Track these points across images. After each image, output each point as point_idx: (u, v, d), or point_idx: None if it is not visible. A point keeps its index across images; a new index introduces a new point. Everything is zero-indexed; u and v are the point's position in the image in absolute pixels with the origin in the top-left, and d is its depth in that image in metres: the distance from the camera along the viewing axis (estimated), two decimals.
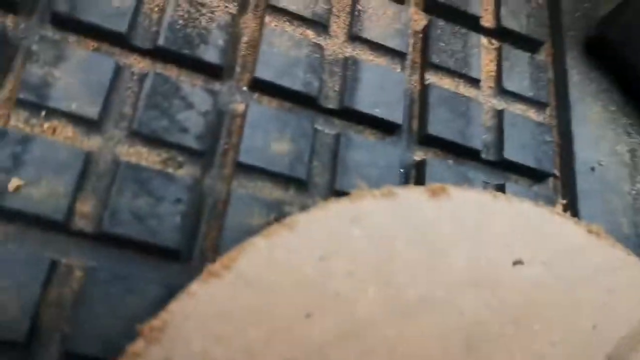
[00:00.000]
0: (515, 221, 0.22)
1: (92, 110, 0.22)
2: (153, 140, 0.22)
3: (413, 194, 0.21)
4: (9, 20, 0.23)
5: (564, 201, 0.24)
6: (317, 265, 0.19)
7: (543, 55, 0.33)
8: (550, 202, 0.28)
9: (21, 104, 0.21)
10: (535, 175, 0.29)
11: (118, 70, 0.23)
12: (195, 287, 0.18)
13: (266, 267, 0.19)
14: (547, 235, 0.22)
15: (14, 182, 0.20)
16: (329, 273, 0.19)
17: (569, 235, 0.23)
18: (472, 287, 0.20)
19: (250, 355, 0.17)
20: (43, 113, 0.21)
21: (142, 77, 0.23)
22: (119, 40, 0.24)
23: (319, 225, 0.20)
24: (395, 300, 0.19)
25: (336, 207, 0.20)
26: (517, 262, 0.21)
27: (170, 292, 0.20)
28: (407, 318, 0.19)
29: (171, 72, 0.24)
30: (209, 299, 0.18)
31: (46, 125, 0.21)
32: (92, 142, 0.22)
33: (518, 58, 0.31)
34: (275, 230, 0.19)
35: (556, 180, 0.30)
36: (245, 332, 0.18)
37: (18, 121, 0.21)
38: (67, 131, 0.22)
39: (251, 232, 0.21)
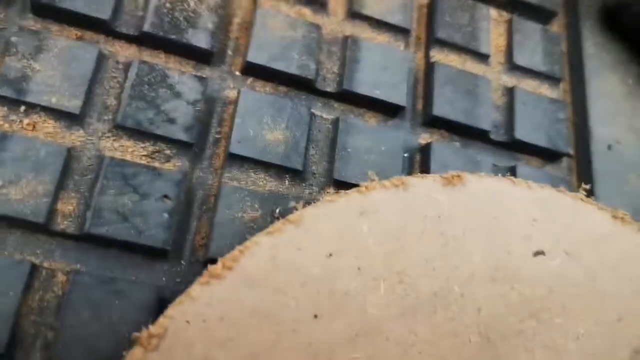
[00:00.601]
0: (536, 209, 0.21)
1: (73, 104, 0.21)
2: (138, 133, 0.21)
3: (426, 183, 0.20)
4: None
5: (587, 186, 0.23)
6: (325, 263, 0.18)
7: (556, 27, 0.31)
8: (565, 183, 0.26)
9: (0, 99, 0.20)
10: (548, 156, 0.27)
11: (101, 59, 0.22)
12: (195, 289, 0.17)
13: (271, 266, 0.17)
14: (570, 223, 0.21)
15: None
16: (337, 271, 0.18)
17: (593, 223, 0.21)
18: (490, 281, 0.19)
19: None
20: (22, 108, 0.20)
21: (127, 66, 0.22)
22: (103, 28, 0.22)
23: (326, 221, 0.19)
24: (407, 296, 0.18)
25: (344, 200, 0.19)
26: (537, 253, 0.20)
27: (158, 294, 0.19)
28: (420, 315, 0.18)
29: (158, 59, 0.23)
30: (210, 302, 0.17)
31: (26, 121, 0.20)
32: (74, 137, 0.21)
33: (529, 30, 0.29)
34: (280, 226, 0.18)
35: (570, 160, 0.28)
36: (249, 337, 0.17)
37: None
38: (47, 127, 0.20)
39: (243, 227, 0.20)
